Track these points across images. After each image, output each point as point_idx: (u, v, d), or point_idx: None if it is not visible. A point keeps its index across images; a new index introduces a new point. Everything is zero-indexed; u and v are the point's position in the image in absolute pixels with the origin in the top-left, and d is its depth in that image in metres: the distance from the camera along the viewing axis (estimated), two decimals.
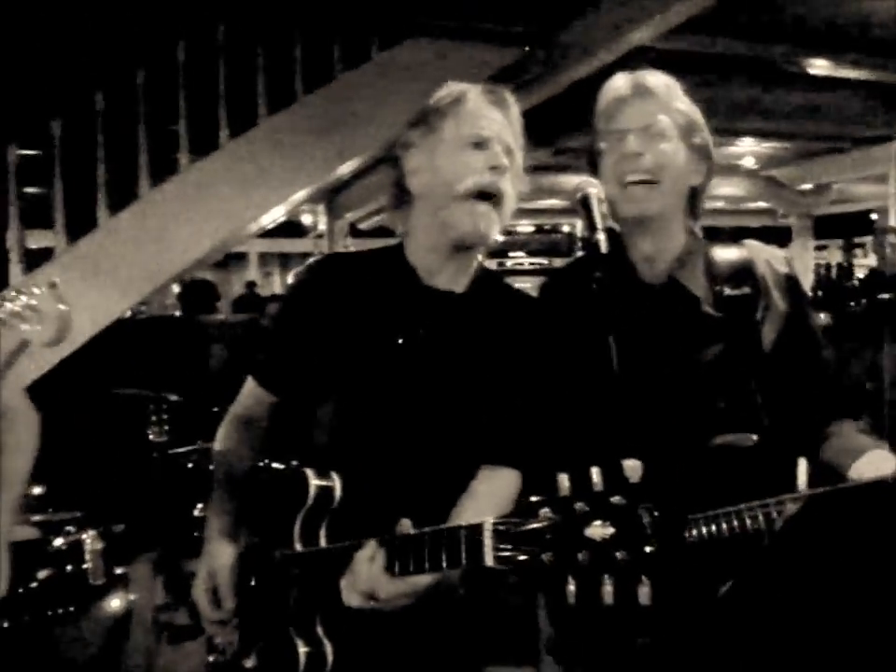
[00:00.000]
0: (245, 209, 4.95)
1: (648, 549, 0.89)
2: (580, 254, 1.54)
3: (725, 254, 1.50)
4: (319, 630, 1.27)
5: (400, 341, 1.39)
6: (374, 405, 1.40)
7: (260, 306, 10.21)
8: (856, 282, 5.11)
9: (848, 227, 10.96)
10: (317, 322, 1.44)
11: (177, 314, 7.29)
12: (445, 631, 1.37)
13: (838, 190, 11.30)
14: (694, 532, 1.31)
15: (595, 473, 0.93)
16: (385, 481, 1.36)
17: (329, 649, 1.26)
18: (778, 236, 11.18)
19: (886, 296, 4.20)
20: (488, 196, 1.35)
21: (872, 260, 8.11)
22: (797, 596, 1.21)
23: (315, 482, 1.32)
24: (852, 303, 4.45)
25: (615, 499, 0.91)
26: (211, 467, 1.62)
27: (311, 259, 1.59)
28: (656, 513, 0.90)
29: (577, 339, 1.43)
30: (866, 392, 1.52)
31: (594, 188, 1.40)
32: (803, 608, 1.21)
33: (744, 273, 1.47)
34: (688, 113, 1.46)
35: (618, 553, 0.90)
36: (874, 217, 11.76)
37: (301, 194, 5.20)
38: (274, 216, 5.50)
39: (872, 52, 5.66)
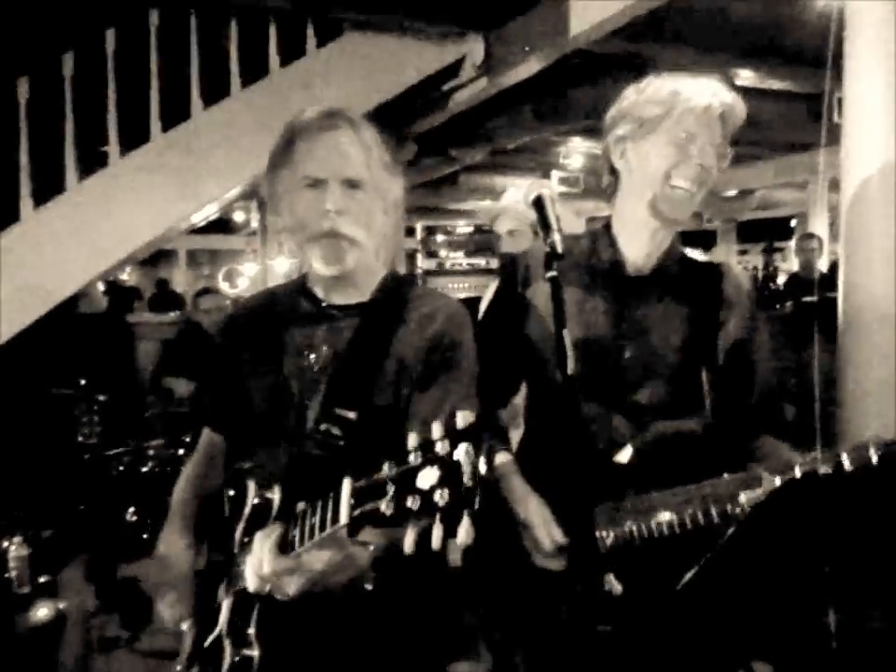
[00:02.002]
0: (177, 205, 4.82)
1: (463, 487, 0.93)
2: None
3: (699, 258, 1.61)
4: (251, 631, 1.28)
5: (307, 356, 1.44)
6: (299, 419, 1.43)
7: (175, 303, 10.02)
8: (780, 285, 5.31)
9: (770, 232, 11.40)
10: (241, 362, 1.52)
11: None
12: (372, 634, 1.37)
13: (761, 196, 11.72)
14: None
15: (435, 427, 0.98)
16: (317, 491, 1.37)
17: (256, 653, 1.27)
18: (704, 240, 11.51)
19: (810, 298, 4.38)
20: (331, 237, 1.38)
21: (790, 264, 8.45)
22: (758, 584, 1.25)
23: (253, 493, 1.37)
24: (777, 305, 4.63)
25: (439, 445, 0.96)
26: (144, 468, 1.65)
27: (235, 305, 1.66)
28: (471, 452, 0.94)
29: (532, 332, 1.52)
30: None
31: (546, 189, 1.43)
32: (764, 594, 1.26)
33: (714, 276, 1.57)
34: (734, 127, 1.53)
35: (437, 494, 0.94)
36: (793, 223, 12.25)
37: (234, 191, 5.09)
38: (207, 212, 5.38)
39: (794, 63, 5.88)
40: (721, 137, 1.51)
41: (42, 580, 2.77)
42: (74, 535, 3.04)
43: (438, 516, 0.94)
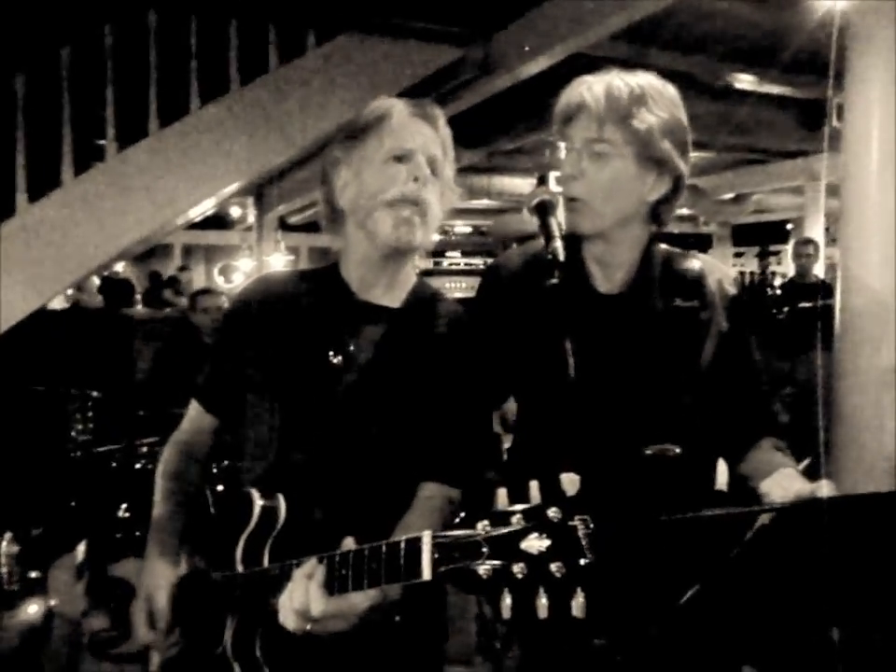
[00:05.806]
0: (173, 201, 4.81)
1: (583, 561, 0.89)
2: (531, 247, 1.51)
3: (679, 265, 1.51)
4: (258, 653, 1.23)
5: (331, 353, 1.39)
6: (311, 422, 1.38)
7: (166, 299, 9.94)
8: (777, 290, 5.28)
9: (765, 236, 11.43)
10: (254, 342, 1.44)
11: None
12: (385, 656, 1.35)
13: (756, 201, 11.75)
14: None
15: (533, 487, 0.93)
16: (326, 501, 1.34)
17: None
18: (699, 243, 11.53)
19: (807, 304, 4.38)
20: (410, 203, 1.37)
21: (786, 268, 8.46)
22: (761, 604, 1.24)
23: (259, 502, 1.30)
24: (774, 311, 4.61)
25: (551, 512, 0.91)
26: (137, 465, 1.58)
27: (248, 280, 1.58)
28: (591, 526, 0.90)
29: (527, 345, 1.44)
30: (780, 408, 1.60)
31: (549, 194, 1.40)
32: (766, 615, 1.25)
33: (695, 286, 1.48)
34: (643, 126, 1.38)
35: (553, 566, 0.89)
36: (789, 226, 12.29)
37: (231, 187, 5.08)
38: (203, 208, 5.37)
39: (790, 69, 5.89)
40: (597, 130, 1.39)
41: (32, 576, 2.76)
42: (64, 532, 3.02)
43: (544, 587, 0.89)
